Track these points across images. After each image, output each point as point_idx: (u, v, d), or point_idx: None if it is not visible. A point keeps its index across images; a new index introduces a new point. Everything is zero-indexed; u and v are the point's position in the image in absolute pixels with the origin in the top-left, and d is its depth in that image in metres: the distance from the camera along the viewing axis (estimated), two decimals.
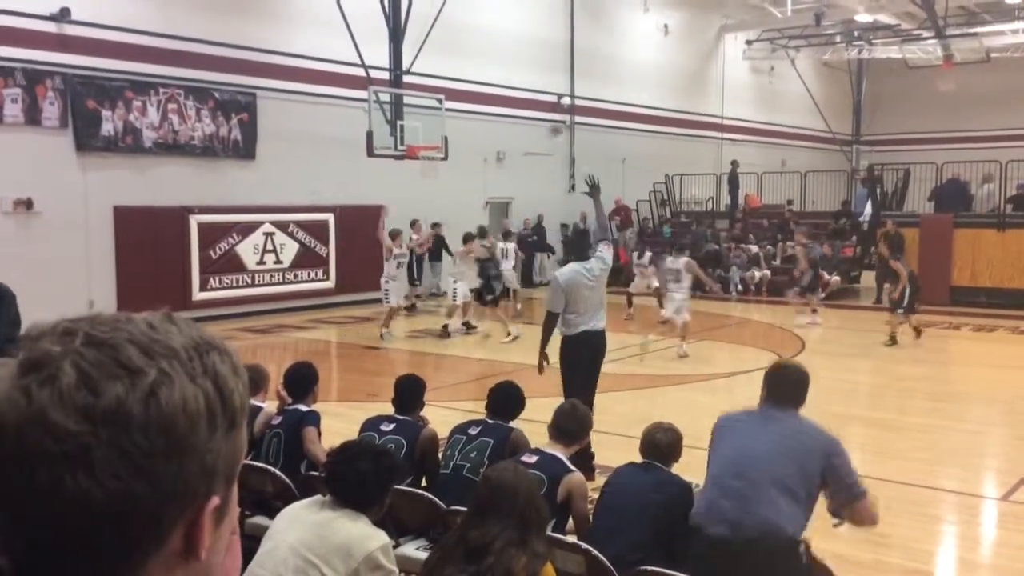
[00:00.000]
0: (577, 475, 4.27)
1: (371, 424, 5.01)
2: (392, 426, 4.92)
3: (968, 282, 17.96)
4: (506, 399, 5.01)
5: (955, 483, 7.19)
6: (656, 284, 15.40)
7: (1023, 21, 26.85)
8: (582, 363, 6.91)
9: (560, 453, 4.33)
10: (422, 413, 5.46)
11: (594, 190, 7.43)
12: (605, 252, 7.05)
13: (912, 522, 6.16)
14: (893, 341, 13.53)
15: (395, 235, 14.18)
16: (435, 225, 17.69)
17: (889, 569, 5.40)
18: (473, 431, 4.81)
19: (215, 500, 0.80)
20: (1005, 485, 7.04)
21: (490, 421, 4.89)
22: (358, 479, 3.14)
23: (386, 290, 14.03)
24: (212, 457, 0.78)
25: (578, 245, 7.41)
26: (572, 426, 4.46)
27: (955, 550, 6.01)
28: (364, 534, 3.02)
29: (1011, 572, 5.36)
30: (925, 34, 26.83)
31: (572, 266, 7.06)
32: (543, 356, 7.06)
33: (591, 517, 4.24)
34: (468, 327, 14.76)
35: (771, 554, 3.65)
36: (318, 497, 3.26)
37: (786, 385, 4.09)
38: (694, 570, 3.69)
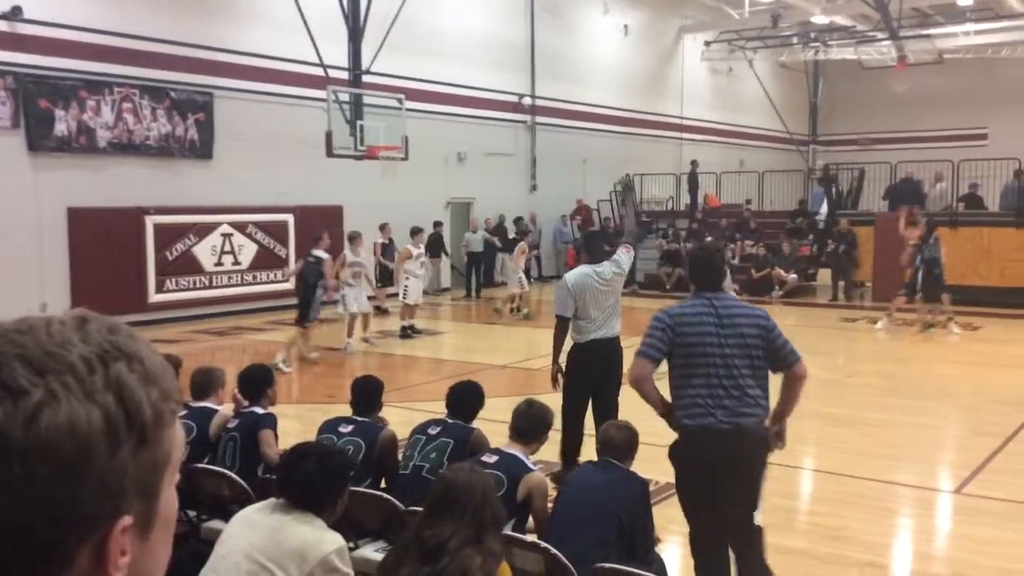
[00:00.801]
0: (537, 474, 4.27)
1: (329, 426, 4.97)
2: (351, 427, 4.88)
3: None
4: (465, 398, 4.99)
5: (910, 477, 7.30)
6: None
7: (975, 23, 27.40)
8: (593, 373, 6.45)
9: (520, 453, 4.33)
10: (381, 414, 5.43)
11: (627, 191, 7.38)
12: (623, 255, 6.70)
13: (868, 516, 6.25)
14: (930, 326, 14.23)
15: (353, 238, 13.35)
16: (437, 224, 17.75)
17: (846, 562, 5.47)
18: (433, 431, 4.79)
19: (125, 520, 0.75)
20: (958, 478, 7.17)
21: (450, 421, 4.87)
22: (306, 481, 3.11)
23: (343, 295, 13.16)
24: (117, 476, 0.73)
25: (590, 247, 6.93)
26: (528, 425, 4.46)
27: (910, 543, 6.10)
28: (318, 538, 2.99)
29: (965, 563, 5.46)
30: (879, 35, 27.24)
31: (582, 269, 6.59)
32: (556, 366, 6.57)
33: (551, 515, 4.24)
34: (411, 331, 14.28)
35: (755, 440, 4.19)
36: (272, 500, 3.22)
37: (705, 268, 4.50)
38: (683, 455, 4.17)
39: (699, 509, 4.25)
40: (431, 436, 4.75)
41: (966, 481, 7.03)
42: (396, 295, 15.25)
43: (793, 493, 6.96)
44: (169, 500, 0.81)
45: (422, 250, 15.11)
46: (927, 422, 9.16)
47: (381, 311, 16.38)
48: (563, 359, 6.58)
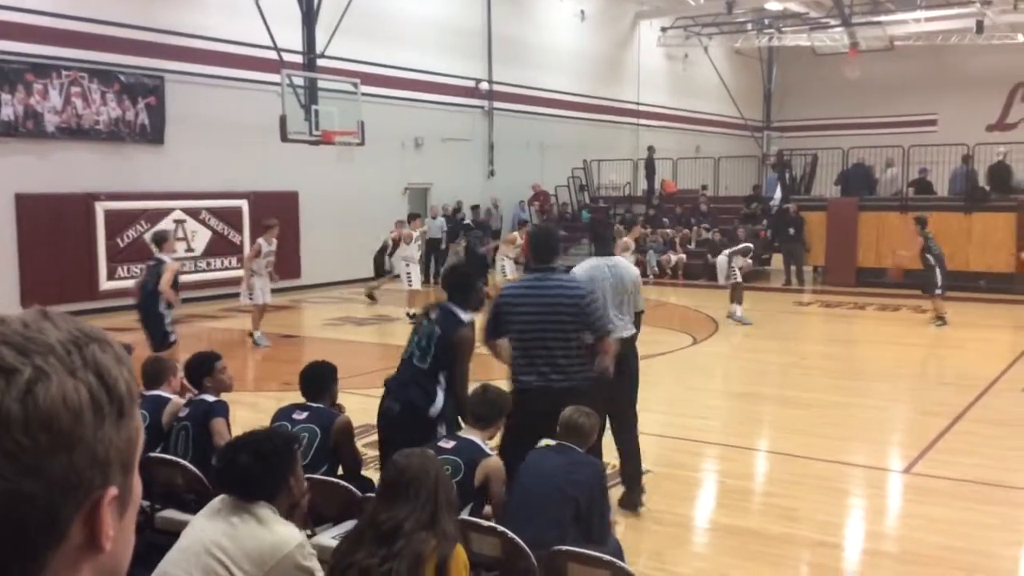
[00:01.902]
0: (493, 459, 4.30)
1: (283, 413, 4.93)
2: (305, 414, 4.84)
3: (873, 263, 18.56)
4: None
5: (860, 457, 7.44)
6: None
7: (925, 11, 27.83)
8: (608, 380, 5.54)
9: (476, 437, 4.36)
10: (340, 401, 5.40)
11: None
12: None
13: (819, 496, 6.37)
14: (942, 320, 13.89)
15: (268, 227, 12.57)
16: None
17: (799, 542, 5.57)
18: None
19: (113, 490, 0.80)
20: (907, 458, 7.32)
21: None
22: (244, 476, 3.03)
23: (252, 285, 12.45)
24: (104, 447, 0.79)
25: (601, 237, 6.42)
26: (484, 410, 4.47)
27: (861, 522, 6.22)
28: (278, 538, 2.90)
29: (913, 541, 5.58)
30: (832, 22, 27.56)
31: (592, 261, 5.96)
32: None
33: (507, 498, 4.26)
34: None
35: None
36: (223, 498, 3.12)
37: (543, 244, 5.39)
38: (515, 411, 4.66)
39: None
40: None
41: (915, 461, 7.18)
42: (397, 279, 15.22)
43: (747, 474, 7.07)
44: (137, 479, 0.86)
45: (419, 235, 15.04)
46: (877, 403, 9.34)
47: (372, 299, 16.25)
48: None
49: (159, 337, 9.31)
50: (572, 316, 5.07)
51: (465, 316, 5.02)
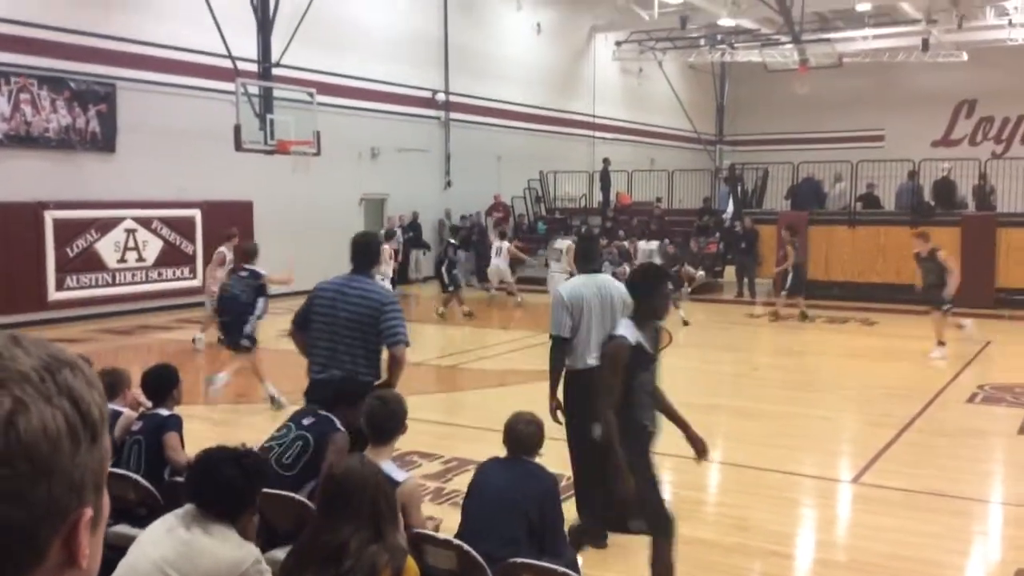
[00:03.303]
0: (408, 484, 4.00)
1: (296, 415, 4.84)
2: (311, 420, 4.72)
3: (822, 276, 18.90)
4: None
5: (810, 468, 7.58)
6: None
7: (873, 28, 28.49)
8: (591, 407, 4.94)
9: (384, 464, 3.90)
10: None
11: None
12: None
13: (770, 505, 6.47)
14: (776, 317, 15.29)
15: (230, 236, 12.73)
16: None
17: (750, 551, 5.66)
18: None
19: (89, 511, 0.83)
20: (856, 468, 7.47)
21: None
22: (225, 487, 3.01)
23: (212, 293, 12.35)
24: (80, 471, 0.81)
25: (586, 253, 6.12)
26: (384, 423, 4.18)
27: (812, 532, 6.34)
28: (234, 558, 2.88)
29: (862, 551, 5.69)
30: (783, 39, 28.05)
31: (579, 279, 5.73)
32: (554, 400, 5.57)
33: (461, 514, 4.24)
34: None
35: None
36: (186, 508, 3.09)
37: (358, 250, 5.52)
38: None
39: None
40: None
41: (863, 471, 7.32)
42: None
43: (698, 484, 7.15)
44: (106, 495, 0.89)
45: (389, 251, 15.30)
46: (826, 414, 9.51)
47: None
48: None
49: (236, 342, 9.52)
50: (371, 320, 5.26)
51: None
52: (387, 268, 14.81)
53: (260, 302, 9.49)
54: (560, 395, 5.61)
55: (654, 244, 17.93)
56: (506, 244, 18.14)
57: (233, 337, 9.42)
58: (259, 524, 3.37)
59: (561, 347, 5.49)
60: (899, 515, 6.29)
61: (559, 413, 5.56)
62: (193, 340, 12.76)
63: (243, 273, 9.64)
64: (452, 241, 17.94)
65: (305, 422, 4.72)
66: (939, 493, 6.72)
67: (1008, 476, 7.63)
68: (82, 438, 0.81)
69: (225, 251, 12.48)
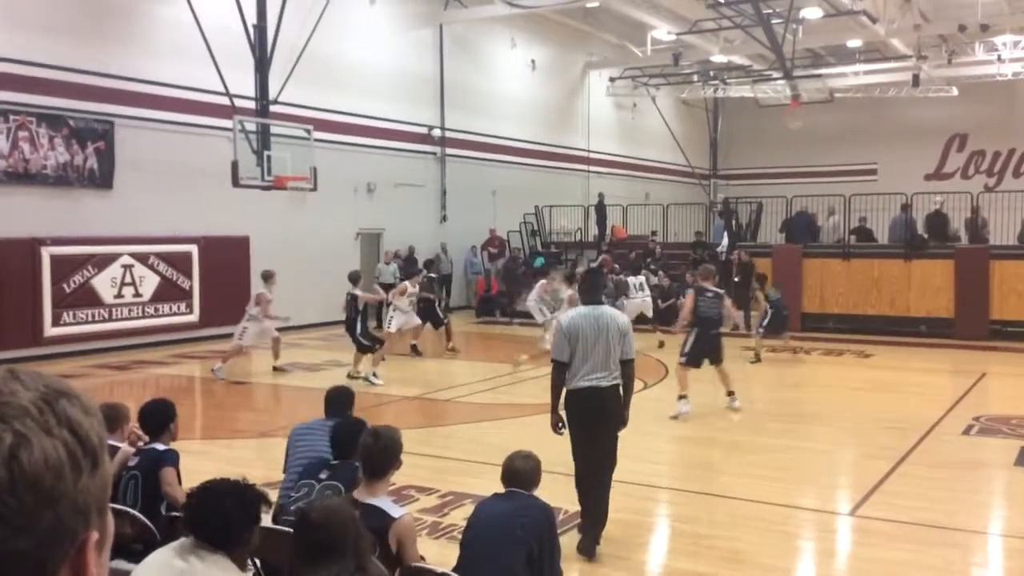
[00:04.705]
0: (403, 520, 3.94)
1: (308, 472, 4.73)
2: (327, 474, 4.59)
3: (817, 308, 18.97)
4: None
5: (807, 500, 7.57)
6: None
7: (863, 64, 28.82)
8: (584, 421, 6.06)
9: (379, 500, 3.96)
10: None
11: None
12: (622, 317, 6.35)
13: (767, 539, 6.46)
14: (757, 359, 14.90)
15: (267, 276, 13.99)
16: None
17: None
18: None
19: (94, 535, 0.86)
20: (853, 500, 7.46)
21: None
22: (224, 520, 3.02)
23: (244, 327, 13.64)
24: (83, 497, 0.84)
25: (590, 286, 6.52)
26: (379, 460, 4.11)
27: (810, 564, 6.32)
28: None
29: None
30: (775, 75, 28.34)
31: (579, 310, 6.27)
32: (555, 415, 6.16)
33: (460, 548, 4.26)
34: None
35: None
36: (181, 542, 3.11)
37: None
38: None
39: None
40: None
41: (860, 503, 7.32)
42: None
43: (694, 517, 7.14)
44: (110, 516, 0.92)
45: (417, 290, 15.42)
46: (822, 447, 9.51)
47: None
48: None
49: (361, 346, 13.05)
50: None
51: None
52: (402, 302, 14.98)
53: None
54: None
55: (641, 278, 18.15)
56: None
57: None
58: (257, 562, 3.37)
59: (561, 369, 6.09)
60: (897, 548, 6.28)
61: (559, 426, 6.18)
62: (213, 371, 13.32)
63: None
64: (432, 275, 18.12)
65: (323, 476, 4.59)
66: (936, 525, 6.71)
67: (1005, 508, 7.63)
68: (83, 465, 0.84)
69: (266, 292, 13.77)
